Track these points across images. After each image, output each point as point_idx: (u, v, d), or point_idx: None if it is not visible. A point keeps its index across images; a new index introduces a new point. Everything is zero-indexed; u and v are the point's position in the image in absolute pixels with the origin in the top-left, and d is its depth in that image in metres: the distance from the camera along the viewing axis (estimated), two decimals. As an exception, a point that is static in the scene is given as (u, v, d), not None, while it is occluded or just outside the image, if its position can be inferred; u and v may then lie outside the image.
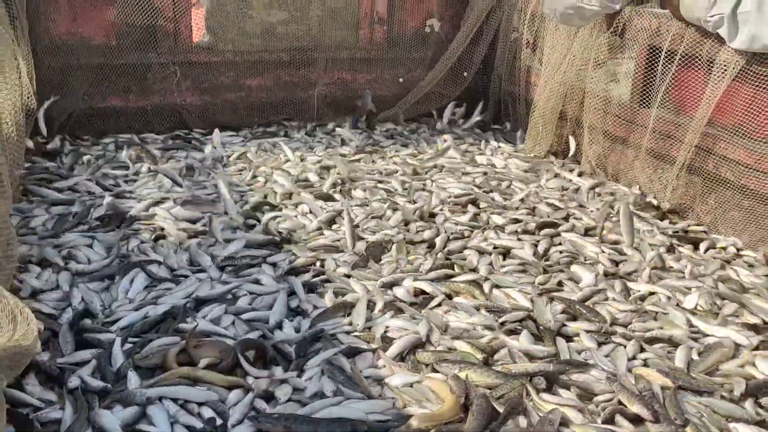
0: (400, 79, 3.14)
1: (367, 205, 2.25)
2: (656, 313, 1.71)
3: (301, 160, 2.62)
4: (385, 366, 1.48)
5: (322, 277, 1.81)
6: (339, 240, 2.02)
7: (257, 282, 1.77)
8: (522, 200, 2.34)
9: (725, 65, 2.01)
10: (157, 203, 2.16)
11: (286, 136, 2.92)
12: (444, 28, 3.13)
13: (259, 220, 2.11)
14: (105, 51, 2.69)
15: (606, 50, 2.50)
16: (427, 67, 3.13)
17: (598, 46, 2.50)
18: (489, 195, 2.37)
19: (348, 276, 1.83)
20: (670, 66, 2.23)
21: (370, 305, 1.68)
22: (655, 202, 2.31)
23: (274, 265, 1.87)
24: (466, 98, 3.22)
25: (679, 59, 2.19)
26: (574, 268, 1.91)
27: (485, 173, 2.56)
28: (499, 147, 2.88)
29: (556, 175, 2.59)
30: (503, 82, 3.11)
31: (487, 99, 3.21)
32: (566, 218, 2.22)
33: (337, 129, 2.98)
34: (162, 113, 2.85)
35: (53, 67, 2.58)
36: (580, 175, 2.59)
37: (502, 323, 1.63)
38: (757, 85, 1.96)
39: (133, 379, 1.37)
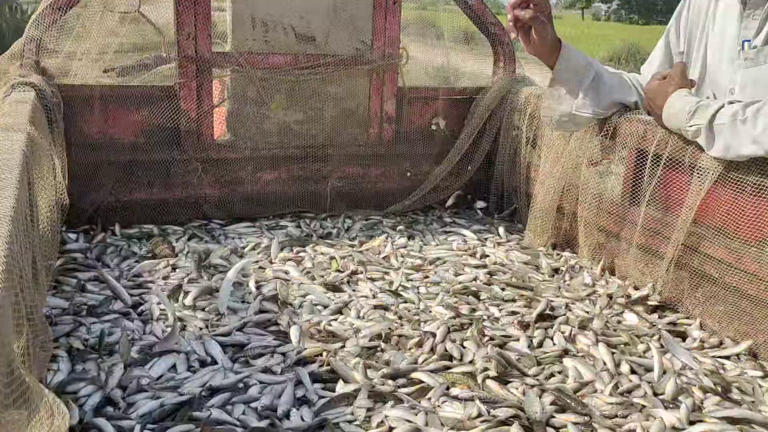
0: (408, 174, 3.33)
1: (374, 297, 2.39)
2: (642, 406, 1.82)
3: (313, 251, 2.79)
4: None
5: (327, 367, 1.94)
6: (346, 330, 2.16)
7: (267, 370, 1.91)
8: (522, 293, 2.48)
9: (705, 170, 2.17)
10: (176, 294, 2.32)
11: (299, 227, 3.09)
12: (449, 125, 3.34)
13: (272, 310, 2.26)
14: (133, 149, 2.90)
15: (598, 151, 2.67)
16: (433, 161, 3.32)
17: (591, 147, 2.68)
18: (489, 287, 2.52)
19: (352, 366, 1.95)
20: (656, 168, 2.39)
21: (372, 395, 1.81)
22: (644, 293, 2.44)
23: (283, 354, 2.01)
24: (470, 191, 3.40)
25: (665, 162, 2.35)
26: (566, 361, 2.03)
27: (485, 265, 2.71)
28: (501, 239, 3.03)
29: (556, 270, 2.73)
30: (505, 176, 3.29)
31: (489, 192, 3.39)
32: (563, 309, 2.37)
33: (347, 221, 3.15)
34: (183, 205, 3.03)
35: (85, 163, 2.78)
36: (578, 268, 2.73)
37: (494, 415, 1.74)
38: (735, 190, 2.11)
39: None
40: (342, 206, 3.23)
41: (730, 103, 2.05)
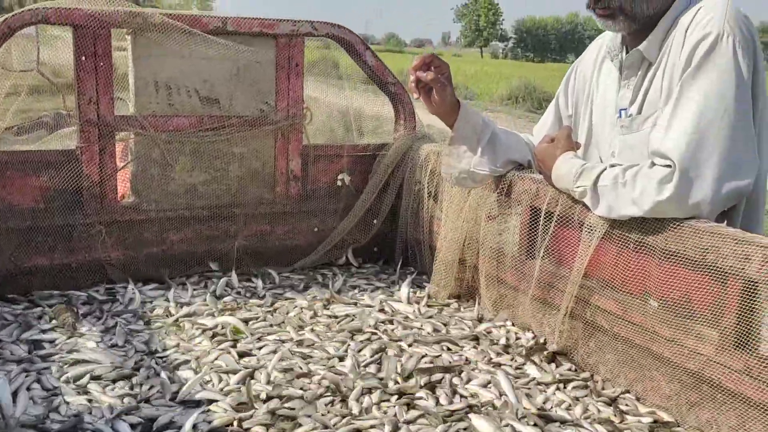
0: (315, 229, 3.39)
1: (283, 360, 2.42)
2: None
3: (220, 313, 2.79)
4: None
5: (239, 437, 1.96)
6: (255, 396, 2.17)
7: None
8: (426, 345, 2.56)
9: (593, 227, 2.32)
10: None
11: (206, 287, 3.08)
12: (354, 181, 3.42)
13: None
14: (33, 214, 2.84)
15: (496, 206, 2.81)
16: (339, 217, 3.39)
17: (489, 203, 2.82)
18: (396, 343, 2.59)
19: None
20: (549, 224, 2.54)
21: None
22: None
23: (194, 426, 2.00)
24: (376, 244, 3.49)
25: (557, 219, 2.50)
26: (473, 418, 2.12)
27: (391, 321, 2.78)
28: (406, 291, 3.12)
29: (459, 320, 2.84)
30: (409, 229, 3.40)
31: (394, 245, 3.49)
32: (467, 362, 2.46)
33: (253, 279, 3.17)
34: (86, 269, 2.97)
35: (-19, 232, 2.70)
36: (480, 320, 2.85)
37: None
38: (619, 246, 2.26)
39: None
40: (250, 264, 3.25)
41: (612, 166, 2.21)
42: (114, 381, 2.24)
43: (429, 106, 2.63)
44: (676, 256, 2.06)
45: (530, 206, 2.63)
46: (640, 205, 2.09)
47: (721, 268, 1.93)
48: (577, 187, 2.29)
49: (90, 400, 2.11)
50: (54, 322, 2.63)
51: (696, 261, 2.00)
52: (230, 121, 3.08)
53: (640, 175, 2.09)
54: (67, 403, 2.08)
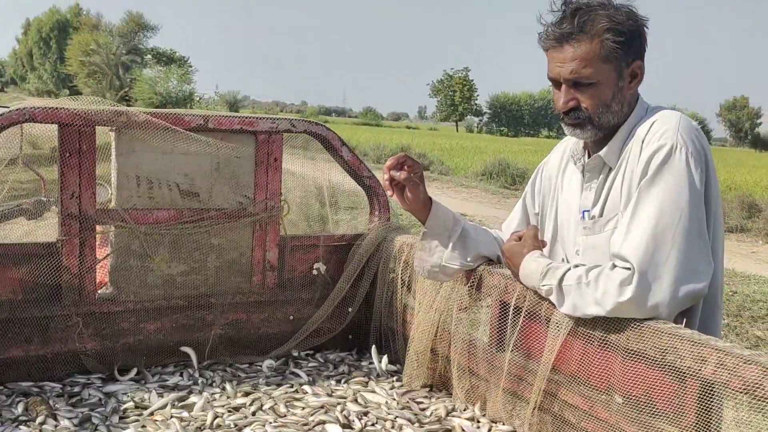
0: (291, 317, 3.44)
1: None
2: None
3: (197, 407, 2.81)
4: None
5: None
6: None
7: None
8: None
9: (559, 323, 2.41)
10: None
11: (182, 376, 3.10)
12: (330, 270, 3.50)
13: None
14: (10, 306, 2.87)
15: (467, 298, 2.89)
16: (315, 305, 3.45)
17: (460, 295, 2.90)
18: (370, 436, 2.63)
19: None
20: (517, 319, 2.62)
21: None
22: (514, 439, 2.62)
23: None
24: (351, 332, 3.54)
25: (525, 314, 2.59)
26: None
27: (366, 413, 2.82)
28: (378, 381, 3.16)
29: (432, 412, 2.88)
30: (383, 318, 3.47)
31: (369, 333, 3.54)
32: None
33: (228, 369, 3.20)
34: (62, 360, 2.99)
35: (-44, 324, 2.73)
36: (452, 411, 2.89)
37: None
38: (584, 342, 2.35)
39: None
40: (225, 353, 3.28)
41: (576, 266, 2.32)
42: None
43: (402, 203, 2.74)
44: (637, 354, 2.15)
45: (499, 300, 2.72)
46: (603, 305, 2.19)
47: (679, 368, 2.02)
48: (543, 285, 2.38)
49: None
50: (29, 413, 2.63)
51: (656, 360, 2.09)
52: (209, 213, 3.17)
53: (602, 276, 2.20)
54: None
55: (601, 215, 2.41)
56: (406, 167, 2.67)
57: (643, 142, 2.28)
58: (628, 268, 2.14)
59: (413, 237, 3.33)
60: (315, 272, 3.49)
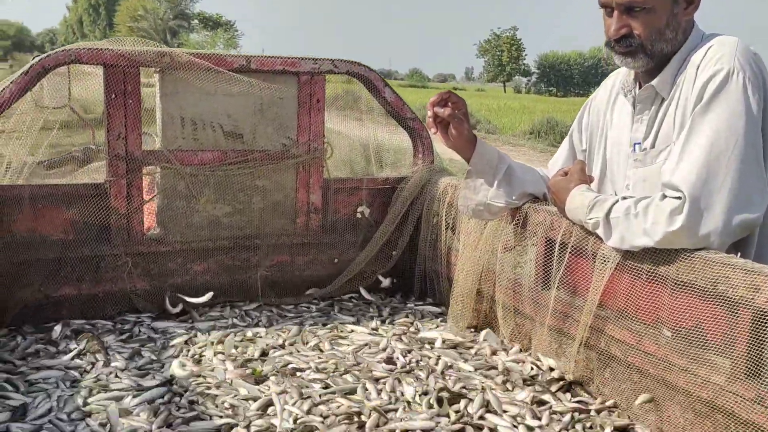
0: (335, 260, 3.46)
1: (302, 388, 2.47)
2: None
3: (242, 342, 2.85)
4: None
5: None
6: (274, 424, 2.22)
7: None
8: (442, 374, 2.60)
9: (606, 258, 2.36)
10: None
11: (228, 317, 3.14)
12: (373, 213, 3.50)
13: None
14: (62, 245, 2.94)
15: (512, 238, 2.86)
16: (359, 248, 3.46)
17: (505, 234, 2.87)
18: (415, 372, 2.63)
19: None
20: (563, 255, 2.58)
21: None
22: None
23: (215, 451, 2.06)
24: (395, 276, 3.54)
25: (571, 250, 2.54)
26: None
27: (410, 350, 2.82)
28: (423, 323, 3.16)
29: (477, 350, 2.87)
30: (428, 261, 3.45)
31: (413, 277, 3.54)
32: (483, 391, 2.49)
33: (273, 310, 3.24)
34: (113, 299, 3.06)
35: (13, 262, 2.80)
36: (497, 351, 2.88)
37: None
38: (632, 276, 2.30)
39: None
40: (271, 294, 3.32)
41: (624, 198, 2.26)
42: (137, 407, 2.30)
43: (446, 140, 2.70)
44: (687, 286, 2.09)
45: (545, 238, 2.68)
46: (652, 235, 2.13)
47: (731, 298, 1.96)
48: (590, 218, 2.33)
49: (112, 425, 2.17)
50: (81, 349, 2.70)
51: (707, 291, 2.04)
52: (253, 155, 3.18)
53: (652, 206, 2.14)
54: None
55: (652, 146, 2.34)
56: (450, 103, 2.63)
57: (698, 68, 2.19)
58: (679, 197, 2.08)
59: (458, 179, 3.29)
60: (359, 215, 3.48)
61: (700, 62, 2.19)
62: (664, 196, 2.13)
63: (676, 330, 2.16)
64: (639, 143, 2.40)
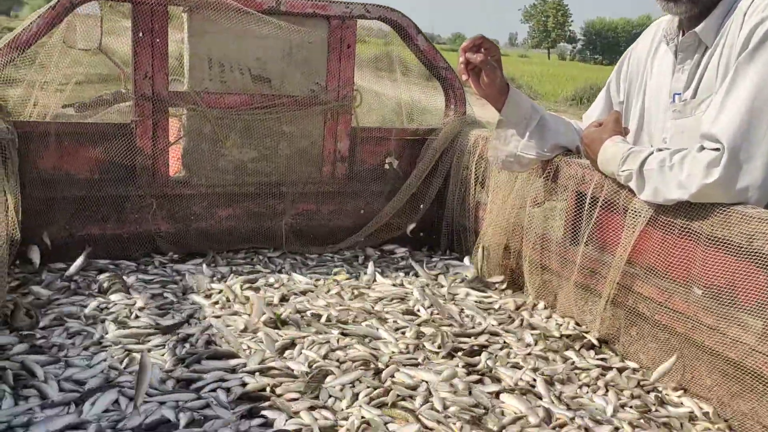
0: (361, 211, 3.41)
1: (320, 334, 2.44)
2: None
3: (265, 288, 2.83)
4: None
5: (270, 402, 1.98)
6: (290, 367, 2.20)
7: (208, 406, 1.94)
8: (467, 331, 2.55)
9: (637, 213, 2.27)
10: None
11: (252, 263, 3.13)
12: (402, 165, 3.43)
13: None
14: (88, 184, 2.94)
15: (542, 192, 2.77)
16: (385, 199, 3.40)
17: (534, 188, 2.79)
18: (435, 324, 2.58)
19: (294, 399, 2.00)
20: (593, 210, 2.49)
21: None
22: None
23: (227, 390, 2.04)
24: (421, 229, 3.48)
25: (601, 204, 2.45)
26: (505, 397, 2.10)
27: (432, 303, 2.77)
28: (448, 277, 3.11)
29: (502, 305, 2.82)
30: (455, 214, 3.39)
31: (440, 230, 3.48)
32: (506, 346, 2.45)
33: (297, 258, 3.21)
34: (137, 240, 3.06)
35: (39, 198, 2.81)
36: (522, 306, 2.82)
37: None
38: (664, 232, 2.21)
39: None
40: (296, 243, 3.29)
41: (659, 150, 2.16)
42: (154, 344, 2.29)
43: (477, 88, 2.62)
44: (722, 242, 2.00)
45: (576, 191, 2.59)
46: (687, 188, 2.03)
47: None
48: (623, 170, 2.24)
49: (131, 360, 2.17)
50: (103, 287, 2.70)
51: (742, 248, 1.94)
52: (281, 100, 3.12)
53: (688, 158, 2.04)
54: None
55: (693, 97, 2.22)
56: (483, 49, 2.53)
57: (745, 15, 2.06)
58: (717, 149, 1.97)
59: (489, 131, 3.20)
60: (387, 166, 3.42)
61: (747, 8, 2.07)
62: (702, 148, 2.02)
63: (707, 288, 2.07)
64: (679, 94, 2.29)
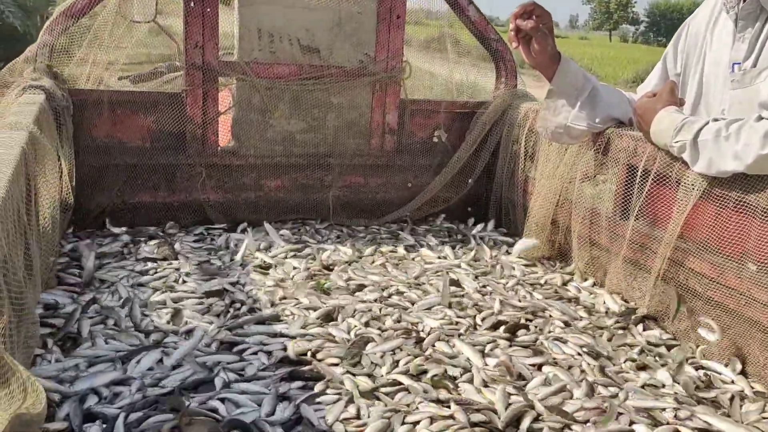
0: (409, 184, 3.39)
1: (362, 303, 2.44)
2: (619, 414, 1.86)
3: (312, 258, 2.85)
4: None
5: (311, 366, 2.00)
6: (332, 333, 2.21)
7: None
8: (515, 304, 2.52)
9: (691, 186, 2.20)
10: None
11: (299, 233, 3.15)
12: (450, 138, 3.39)
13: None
14: (139, 152, 2.99)
15: (592, 166, 2.71)
16: (433, 173, 3.37)
17: (584, 162, 2.72)
18: (480, 296, 2.55)
19: (335, 364, 2.01)
20: (645, 183, 2.42)
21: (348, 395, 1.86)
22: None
23: (269, 353, 2.06)
24: (470, 204, 3.45)
25: (653, 178, 2.38)
26: (546, 369, 2.07)
27: (476, 276, 2.75)
28: (494, 251, 3.07)
29: (549, 280, 2.78)
30: (504, 189, 3.34)
31: (488, 205, 3.44)
32: (550, 319, 2.41)
33: (345, 229, 3.22)
34: (187, 209, 3.11)
35: (93, 165, 2.87)
36: (569, 282, 2.77)
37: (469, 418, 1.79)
38: (718, 206, 2.14)
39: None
40: (342, 215, 3.29)
41: (715, 120, 2.08)
42: (203, 311, 2.33)
43: (528, 56, 2.56)
44: (778, 215, 1.92)
45: (627, 164, 2.52)
46: (743, 159, 1.96)
47: (827, 228, 1.79)
48: (676, 141, 2.17)
49: (176, 322, 2.21)
50: (153, 253, 2.76)
51: (800, 221, 1.86)
52: (330, 70, 3.12)
53: (745, 128, 1.96)
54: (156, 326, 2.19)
55: (753, 66, 2.13)
56: (534, 16, 2.47)
57: None
58: (777, 118, 1.89)
59: (540, 104, 3.14)
60: (435, 139, 3.39)
61: None
62: (760, 118, 1.94)
63: (762, 263, 1.99)
64: (739, 63, 2.20)
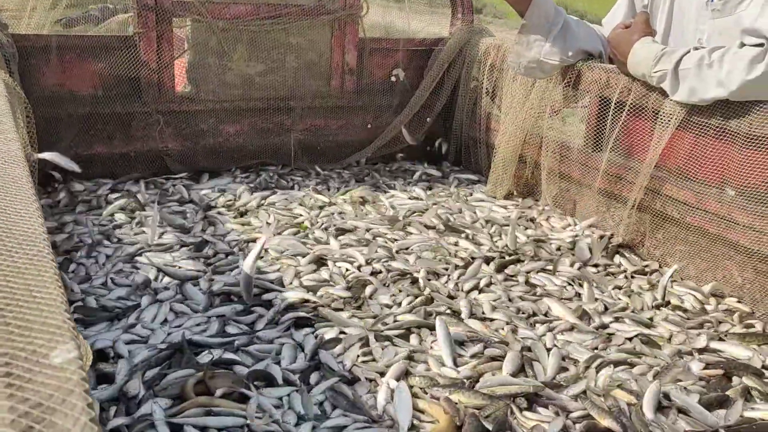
0: (369, 125, 3.34)
1: (351, 246, 2.42)
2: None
3: (278, 202, 2.79)
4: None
5: (314, 312, 1.97)
6: (328, 278, 2.18)
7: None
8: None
9: (669, 115, 2.26)
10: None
11: (263, 179, 3.06)
12: (409, 77, 3.35)
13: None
14: (92, 101, 2.82)
15: (561, 100, 2.74)
16: (393, 113, 3.34)
17: (554, 96, 2.75)
18: (462, 235, 2.58)
19: (339, 309, 2.00)
20: (619, 115, 2.47)
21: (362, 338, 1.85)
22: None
23: (270, 302, 2.02)
24: (429, 143, 3.44)
25: (628, 108, 2.43)
26: (547, 301, 2.12)
27: (452, 214, 2.77)
28: (461, 189, 3.09)
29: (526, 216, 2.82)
30: (464, 127, 3.34)
31: (449, 143, 3.44)
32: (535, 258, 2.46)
33: (311, 172, 3.16)
34: (144, 158, 2.97)
35: (43, 117, 2.68)
36: (540, 213, 2.83)
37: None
38: (697, 134, 2.20)
39: (157, 411, 1.50)
40: (304, 159, 3.23)
41: (696, 49, 2.12)
42: (183, 259, 2.26)
43: None
44: (760, 140, 2.00)
45: (599, 97, 2.56)
46: (727, 85, 2.01)
47: (811, 150, 1.88)
48: (656, 71, 2.21)
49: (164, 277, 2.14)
50: (120, 206, 2.63)
51: (783, 145, 1.95)
52: (287, 9, 3.00)
53: (729, 54, 2.01)
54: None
55: None
56: None
57: None
58: (761, 44, 1.94)
59: (499, 40, 3.13)
60: (393, 79, 3.34)
61: None
62: (743, 45, 2.00)
63: (742, 187, 2.08)
64: None
